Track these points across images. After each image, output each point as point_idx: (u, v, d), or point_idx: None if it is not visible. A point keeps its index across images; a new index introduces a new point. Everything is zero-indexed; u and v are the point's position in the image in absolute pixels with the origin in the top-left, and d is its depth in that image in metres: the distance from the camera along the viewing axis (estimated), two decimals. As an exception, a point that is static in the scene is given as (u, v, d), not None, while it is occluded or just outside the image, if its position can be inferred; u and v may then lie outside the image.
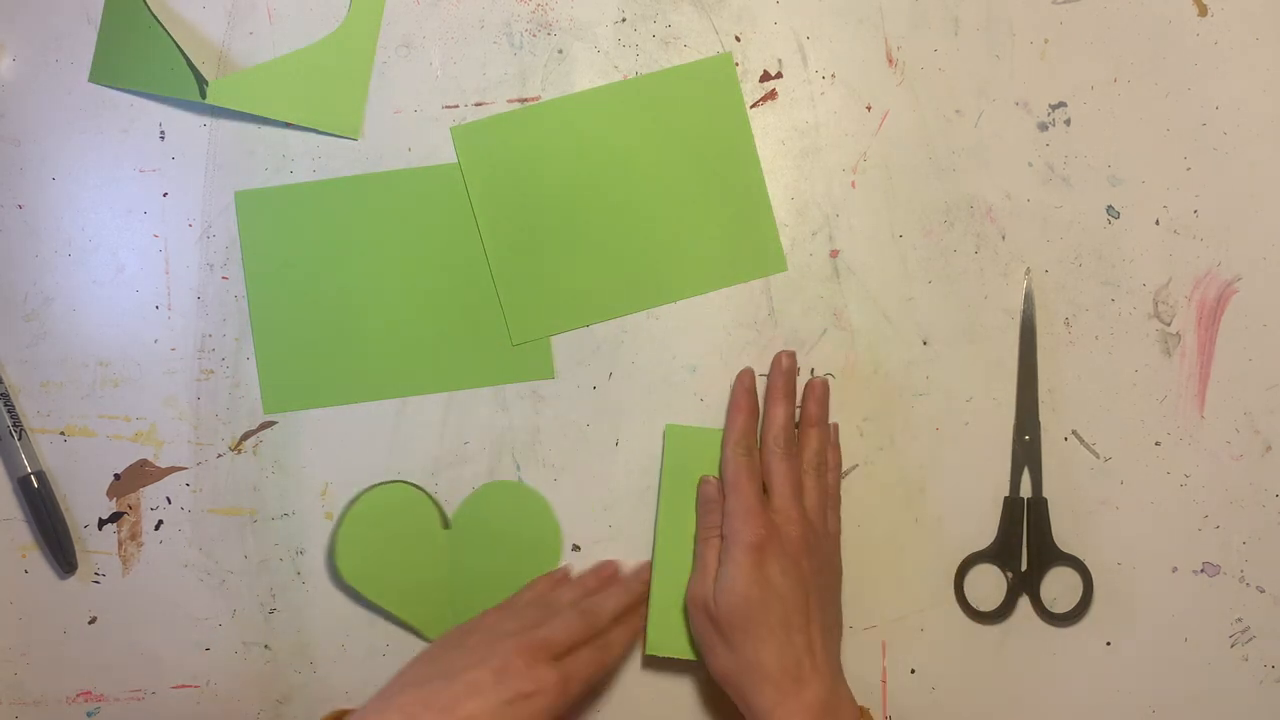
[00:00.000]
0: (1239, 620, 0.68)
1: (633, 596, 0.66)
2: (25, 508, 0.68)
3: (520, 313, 0.69)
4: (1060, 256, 0.69)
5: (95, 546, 0.69)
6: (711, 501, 0.66)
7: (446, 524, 0.68)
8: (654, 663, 0.68)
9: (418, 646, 0.68)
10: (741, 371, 0.67)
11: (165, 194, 0.69)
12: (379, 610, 0.68)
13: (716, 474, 0.67)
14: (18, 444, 0.68)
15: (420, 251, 0.69)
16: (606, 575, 0.67)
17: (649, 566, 0.67)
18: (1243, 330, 0.68)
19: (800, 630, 0.61)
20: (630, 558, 0.68)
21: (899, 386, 0.69)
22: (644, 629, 0.66)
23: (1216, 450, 0.68)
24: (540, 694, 0.58)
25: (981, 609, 0.68)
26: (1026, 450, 0.68)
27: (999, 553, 0.68)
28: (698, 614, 0.63)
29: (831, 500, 0.66)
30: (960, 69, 0.69)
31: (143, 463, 0.69)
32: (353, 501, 0.67)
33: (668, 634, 0.66)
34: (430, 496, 0.68)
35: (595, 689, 0.67)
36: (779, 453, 0.65)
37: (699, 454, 0.67)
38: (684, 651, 0.66)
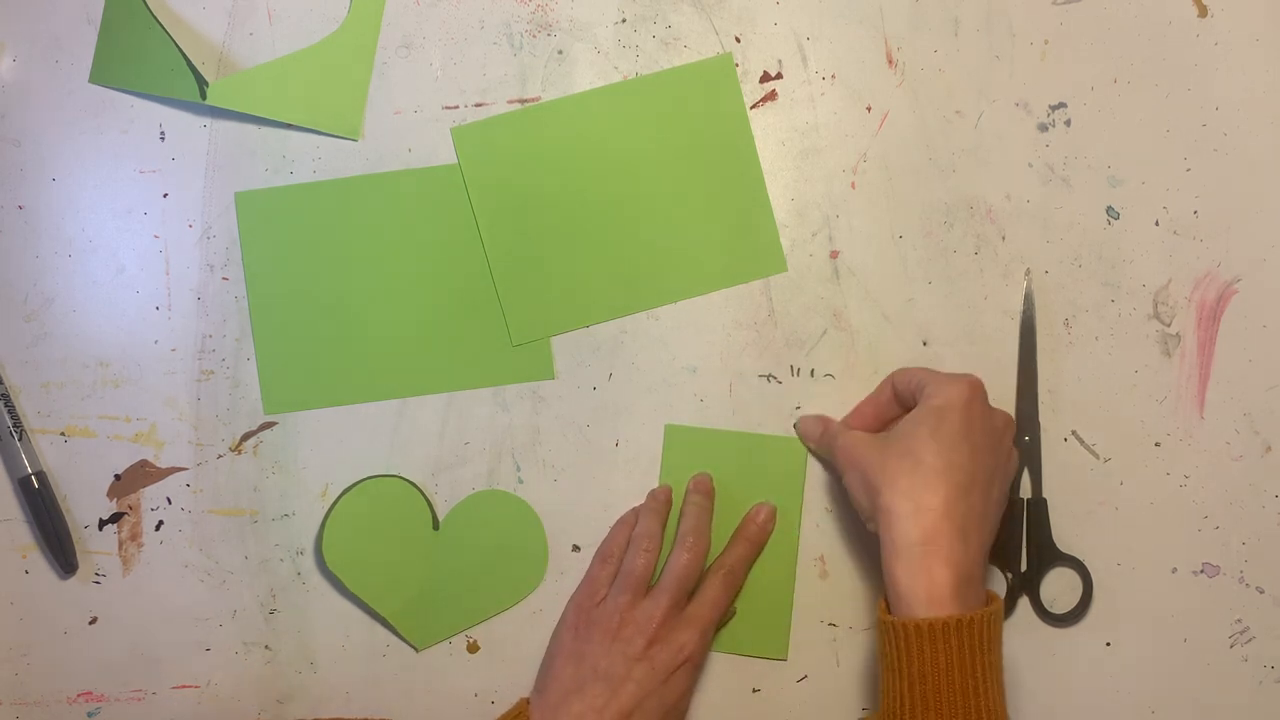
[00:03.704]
0: (1239, 620, 0.68)
1: (706, 507, 0.67)
2: (25, 508, 0.68)
3: (520, 313, 0.69)
4: (1060, 257, 0.69)
5: (95, 547, 0.69)
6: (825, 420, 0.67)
7: (436, 526, 0.68)
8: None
9: (410, 646, 0.68)
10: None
11: (165, 194, 0.69)
12: (364, 605, 0.68)
13: (716, 473, 0.67)
14: (18, 444, 0.68)
15: (420, 252, 0.69)
16: (664, 499, 0.68)
17: (705, 476, 0.68)
18: (1243, 331, 0.68)
19: (979, 488, 0.58)
20: (630, 558, 0.68)
21: (899, 387, 0.69)
22: (758, 533, 0.66)
23: (1216, 451, 0.68)
24: (688, 658, 0.62)
25: (981, 609, 0.68)
26: (1026, 451, 0.68)
27: (999, 553, 0.68)
28: (862, 449, 0.61)
29: None
30: (960, 69, 0.69)
31: (143, 463, 0.69)
32: (347, 490, 0.67)
33: None
34: (425, 496, 0.68)
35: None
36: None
37: (698, 454, 0.67)
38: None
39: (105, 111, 0.69)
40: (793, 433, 0.68)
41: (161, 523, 0.69)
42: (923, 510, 0.57)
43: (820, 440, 0.67)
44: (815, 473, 0.68)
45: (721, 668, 0.68)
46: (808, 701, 0.68)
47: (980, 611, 0.56)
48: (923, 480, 0.57)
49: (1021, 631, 0.68)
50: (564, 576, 0.69)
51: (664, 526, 0.67)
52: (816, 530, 0.68)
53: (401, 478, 0.68)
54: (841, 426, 0.66)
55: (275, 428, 0.69)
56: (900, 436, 0.60)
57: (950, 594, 0.55)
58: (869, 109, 0.69)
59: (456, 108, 0.69)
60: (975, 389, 0.60)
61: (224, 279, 0.69)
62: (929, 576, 0.56)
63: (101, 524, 0.69)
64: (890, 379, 0.66)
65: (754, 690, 0.68)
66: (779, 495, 0.68)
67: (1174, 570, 0.68)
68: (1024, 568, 0.68)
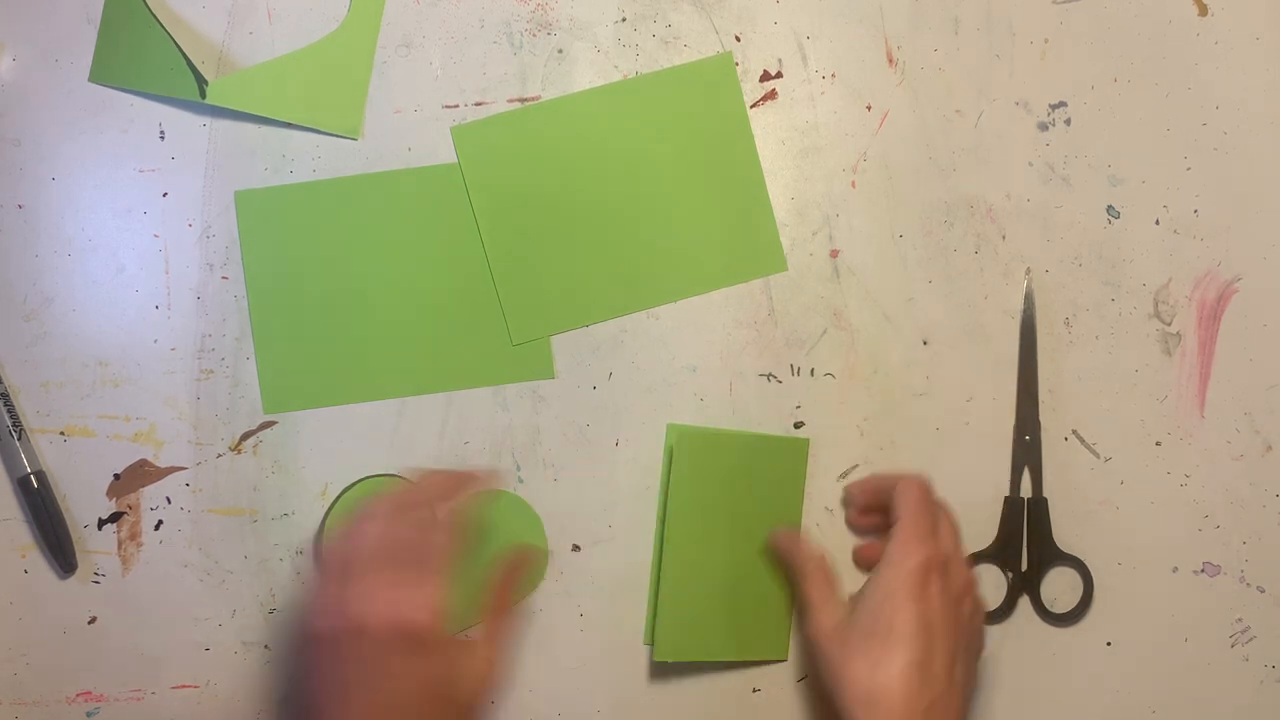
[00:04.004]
0: (1239, 620, 0.68)
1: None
2: (25, 508, 0.68)
3: (520, 313, 0.69)
4: (1060, 256, 0.69)
5: (95, 546, 0.69)
6: (802, 541, 0.65)
7: None
8: (663, 670, 0.68)
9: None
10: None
11: (165, 194, 0.69)
12: None
13: (722, 474, 0.67)
14: (17, 444, 0.67)
15: (420, 251, 0.69)
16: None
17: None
18: (1243, 330, 0.68)
19: (939, 680, 0.57)
20: (630, 557, 0.68)
21: (899, 386, 0.69)
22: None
23: (1217, 450, 0.68)
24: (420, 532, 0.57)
25: (982, 609, 0.68)
26: (1027, 450, 0.68)
27: (999, 553, 0.68)
28: (830, 645, 0.60)
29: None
30: (960, 69, 0.69)
31: (142, 463, 0.69)
32: (346, 489, 0.67)
33: (676, 640, 0.66)
34: None
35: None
36: (946, 509, 0.63)
37: (703, 454, 0.67)
38: (693, 655, 0.66)
39: (105, 111, 0.69)
40: (794, 433, 0.68)
41: (161, 522, 0.69)
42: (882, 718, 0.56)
43: (788, 558, 0.66)
44: (816, 473, 0.68)
45: (721, 668, 0.68)
46: (808, 701, 0.68)
47: None
48: (880, 685, 0.56)
49: (1021, 631, 0.68)
50: (564, 576, 0.69)
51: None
52: (816, 530, 0.68)
53: (401, 476, 0.68)
54: (813, 570, 0.64)
55: (275, 427, 0.69)
56: (858, 633, 0.58)
57: None
58: (869, 108, 0.69)
59: (456, 107, 0.69)
60: (932, 563, 0.58)
61: (224, 278, 0.69)
62: None
63: (101, 524, 0.69)
64: (874, 480, 0.66)
65: (754, 690, 0.68)
66: (780, 494, 0.68)
67: (1175, 570, 0.68)
68: (1024, 567, 0.68)
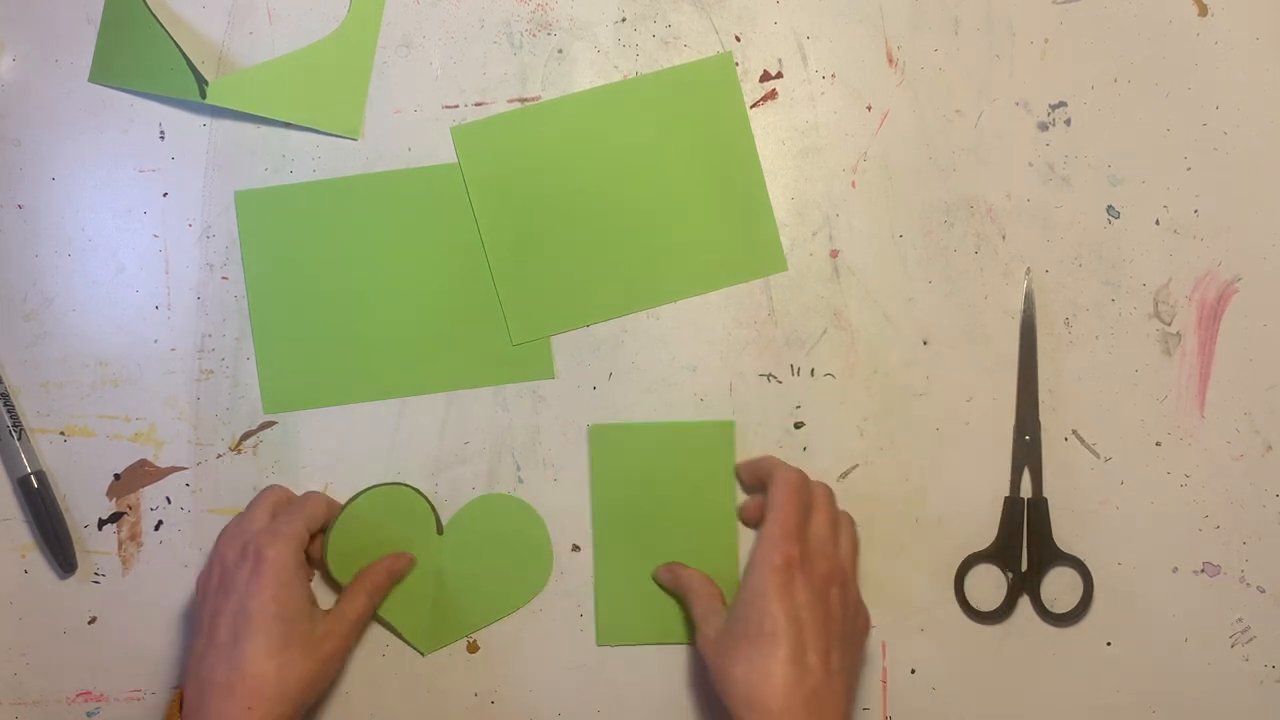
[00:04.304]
0: (1239, 620, 0.68)
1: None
2: (25, 508, 0.68)
3: (520, 313, 0.69)
4: (1060, 256, 0.69)
5: (95, 546, 0.69)
6: (680, 570, 0.67)
7: (440, 530, 0.68)
8: (663, 670, 0.68)
9: (415, 650, 0.68)
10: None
11: (165, 194, 0.69)
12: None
13: (644, 464, 0.68)
14: (17, 444, 0.68)
15: (420, 251, 0.69)
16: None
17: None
18: (1243, 330, 0.68)
19: (815, 671, 0.58)
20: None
21: (899, 386, 0.69)
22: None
23: (1217, 450, 0.68)
24: (260, 555, 0.61)
25: (981, 609, 0.68)
26: (1026, 450, 0.68)
27: (999, 553, 0.68)
28: (712, 653, 0.61)
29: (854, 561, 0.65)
30: (960, 69, 0.69)
31: (142, 463, 0.69)
32: (352, 499, 0.67)
33: (615, 625, 0.68)
34: (429, 502, 0.68)
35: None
36: (824, 495, 0.64)
37: (623, 450, 0.68)
38: (635, 639, 0.68)
39: (105, 111, 0.69)
40: (794, 433, 0.68)
41: (161, 522, 0.69)
42: (762, 716, 0.57)
43: (675, 588, 0.67)
44: (815, 473, 0.68)
45: (721, 667, 0.68)
46: (808, 701, 0.68)
47: None
48: (757, 684, 0.58)
49: (1021, 631, 0.68)
50: (564, 576, 0.69)
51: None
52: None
53: (406, 485, 0.68)
54: (695, 590, 0.65)
55: (275, 427, 0.69)
56: (733, 637, 0.60)
57: None
58: (869, 108, 0.69)
59: (456, 107, 0.69)
60: (792, 561, 0.59)
61: (224, 278, 0.69)
62: None
63: (101, 524, 0.69)
64: (760, 464, 0.66)
65: (754, 690, 0.68)
66: (710, 478, 0.68)
67: (1175, 570, 0.68)
68: (1024, 567, 0.68)
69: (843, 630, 0.61)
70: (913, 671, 0.68)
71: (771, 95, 0.69)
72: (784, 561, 0.60)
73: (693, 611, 0.65)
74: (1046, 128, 0.69)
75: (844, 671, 0.60)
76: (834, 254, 0.69)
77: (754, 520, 0.67)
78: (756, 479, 0.66)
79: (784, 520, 0.61)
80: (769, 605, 0.59)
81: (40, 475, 0.68)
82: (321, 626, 0.62)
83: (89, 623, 0.69)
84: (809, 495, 0.63)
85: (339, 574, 0.67)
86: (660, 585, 0.68)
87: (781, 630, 0.58)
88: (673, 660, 0.68)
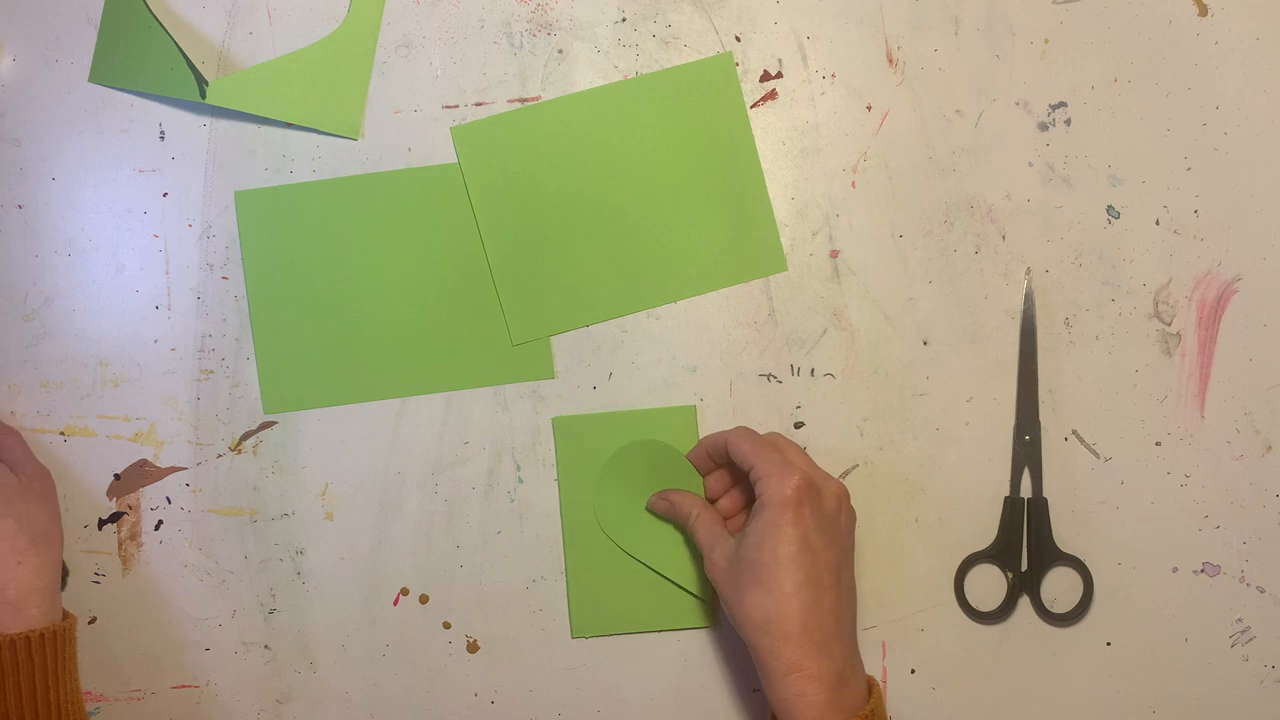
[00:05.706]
0: (1239, 620, 0.68)
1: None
2: (25, 508, 0.68)
3: (520, 313, 0.69)
4: (1060, 256, 0.69)
5: (95, 546, 0.69)
6: (675, 495, 0.67)
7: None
8: (663, 670, 0.68)
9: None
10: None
11: (165, 194, 0.69)
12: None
13: (608, 458, 0.68)
14: (18, 444, 0.68)
15: (420, 251, 0.69)
16: None
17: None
18: (1243, 330, 0.68)
19: (830, 590, 0.60)
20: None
21: (899, 386, 0.69)
22: None
23: (1216, 450, 0.68)
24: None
25: (981, 609, 0.68)
26: (1026, 450, 0.68)
27: (999, 553, 0.68)
28: (725, 582, 0.62)
29: None
30: (960, 69, 0.69)
31: (143, 463, 0.69)
32: (611, 459, 0.68)
33: (589, 616, 0.68)
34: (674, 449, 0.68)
35: None
36: (775, 434, 0.66)
37: (588, 440, 0.68)
38: (612, 629, 0.68)
39: (105, 111, 0.69)
40: (794, 433, 0.68)
41: (161, 522, 0.69)
42: (782, 640, 0.59)
43: (673, 516, 0.67)
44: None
45: (722, 668, 0.68)
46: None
47: (862, 711, 0.59)
48: (775, 608, 0.59)
49: (1021, 631, 0.68)
50: (564, 576, 0.69)
51: None
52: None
53: (666, 445, 0.68)
54: (696, 516, 0.66)
55: (275, 427, 0.69)
56: (747, 565, 0.61)
57: (827, 705, 0.58)
58: (869, 108, 0.69)
59: (456, 107, 0.69)
60: (802, 490, 0.61)
61: (224, 278, 0.69)
62: (804, 700, 0.58)
63: (101, 524, 0.69)
64: (704, 443, 0.67)
65: (754, 690, 0.68)
66: (676, 467, 0.68)
67: (1174, 570, 0.68)
68: (1024, 567, 0.68)
69: (848, 545, 0.63)
70: (913, 671, 0.68)
71: (771, 95, 0.69)
72: (794, 492, 0.60)
73: (697, 538, 0.65)
74: (1046, 128, 0.69)
75: (850, 589, 0.62)
76: (834, 254, 0.69)
77: (720, 494, 0.67)
78: (707, 459, 0.67)
79: (770, 460, 0.62)
80: (784, 532, 0.60)
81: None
82: None
83: (89, 622, 0.69)
84: (767, 436, 0.64)
85: (612, 534, 0.68)
86: (655, 514, 0.68)
87: (796, 554, 0.60)
88: (672, 658, 0.68)
